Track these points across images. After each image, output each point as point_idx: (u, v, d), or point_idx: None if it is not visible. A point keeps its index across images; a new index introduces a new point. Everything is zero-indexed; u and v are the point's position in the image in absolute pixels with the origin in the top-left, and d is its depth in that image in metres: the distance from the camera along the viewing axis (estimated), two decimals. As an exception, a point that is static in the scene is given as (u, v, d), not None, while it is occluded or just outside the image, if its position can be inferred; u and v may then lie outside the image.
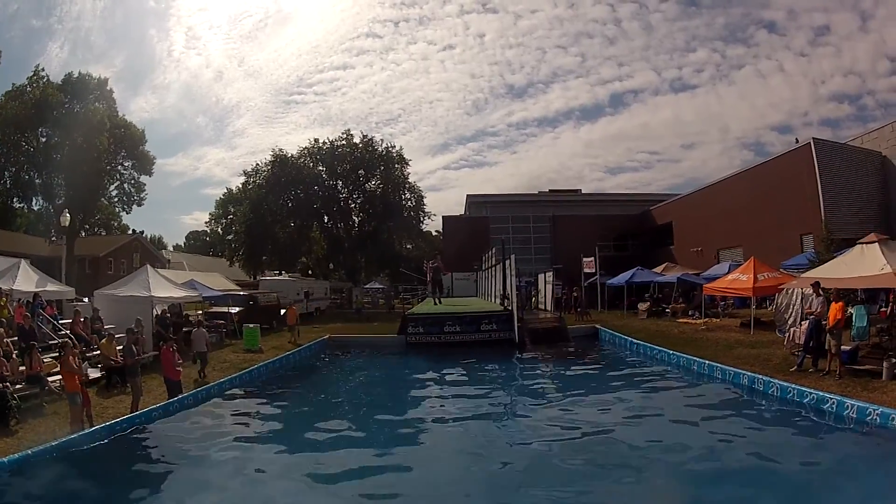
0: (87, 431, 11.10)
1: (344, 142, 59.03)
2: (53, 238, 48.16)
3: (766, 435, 11.03)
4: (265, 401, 15.85)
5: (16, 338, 16.08)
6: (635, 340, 23.01)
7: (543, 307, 36.12)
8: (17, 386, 13.35)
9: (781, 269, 24.81)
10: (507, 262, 26.86)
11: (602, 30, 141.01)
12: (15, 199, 52.67)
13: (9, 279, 20.42)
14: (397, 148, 60.20)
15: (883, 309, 19.33)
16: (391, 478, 9.37)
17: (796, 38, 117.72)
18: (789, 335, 18.20)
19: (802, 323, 17.14)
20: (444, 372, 19.76)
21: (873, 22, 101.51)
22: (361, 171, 58.88)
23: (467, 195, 66.63)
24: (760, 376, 14.62)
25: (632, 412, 13.43)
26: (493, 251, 34.57)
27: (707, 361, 17.26)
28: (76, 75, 48.99)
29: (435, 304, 26.61)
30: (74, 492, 8.98)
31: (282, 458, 10.61)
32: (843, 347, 14.30)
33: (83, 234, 55.55)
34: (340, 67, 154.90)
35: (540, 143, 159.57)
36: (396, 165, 59.07)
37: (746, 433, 11.11)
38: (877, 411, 10.75)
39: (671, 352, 19.72)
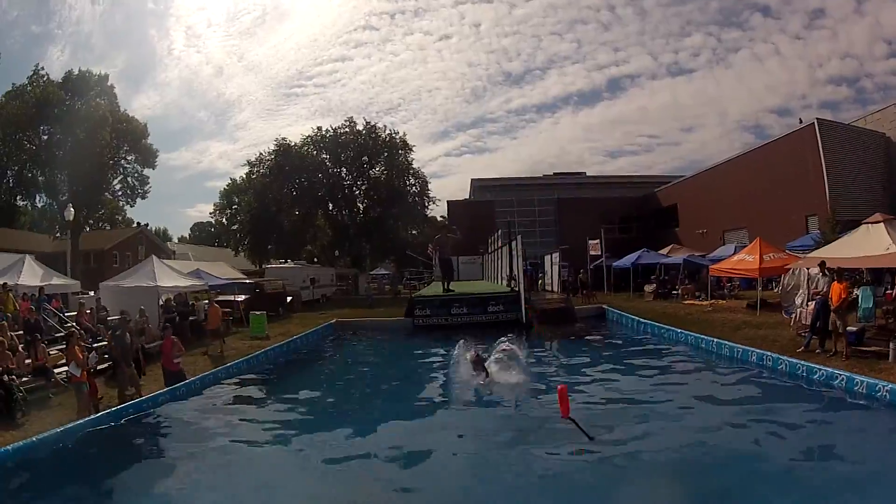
0: (89, 419, 11.21)
1: (347, 129, 58.84)
2: (58, 234, 48.34)
3: (775, 410, 11.03)
4: (270, 385, 15.96)
5: (21, 332, 16.17)
6: (642, 320, 23.10)
7: (550, 289, 36.13)
8: (24, 378, 13.42)
9: (787, 251, 24.73)
10: (514, 243, 26.80)
11: (596, 16, 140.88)
12: (18, 197, 53.10)
13: (14, 274, 20.49)
14: (400, 134, 60.03)
15: (889, 291, 19.27)
16: (394, 460, 9.39)
17: (791, 22, 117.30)
18: (796, 316, 18.19)
19: (809, 304, 17.10)
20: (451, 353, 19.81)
21: (868, 5, 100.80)
22: (365, 158, 58.75)
23: (472, 179, 66.69)
24: (769, 353, 14.70)
25: (644, 387, 13.67)
26: (499, 233, 34.54)
27: (715, 339, 17.34)
28: (76, 72, 49.19)
29: (445, 289, 26.49)
30: (75, 479, 9.04)
31: (282, 441, 10.62)
32: (849, 328, 14.28)
33: (87, 228, 55.68)
34: (339, 59, 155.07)
35: (540, 128, 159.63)
36: (400, 151, 58.87)
37: (755, 409, 11.21)
38: (886, 387, 10.81)
39: (679, 330, 19.82)
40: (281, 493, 8.24)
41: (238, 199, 67.87)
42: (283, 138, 58.78)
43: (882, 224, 16.37)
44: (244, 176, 63.85)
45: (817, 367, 12.90)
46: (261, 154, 59.52)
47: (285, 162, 56.66)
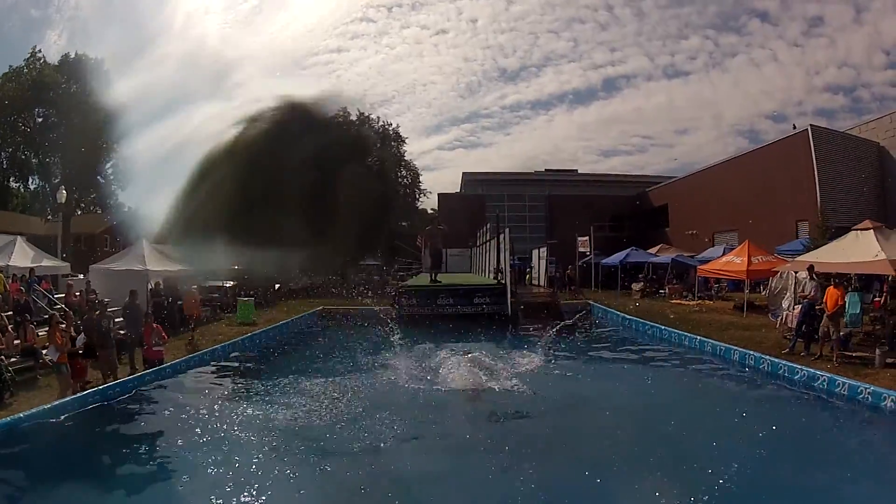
0: (64, 400, 11.33)
1: (340, 119, 58.64)
2: (49, 217, 48.22)
3: (753, 408, 11.31)
4: (251, 370, 15.86)
5: (11, 312, 16.20)
6: (627, 316, 23.36)
7: (537, 283, 36.25)
8: (13, 359, 13.47)
9: (776, 254, 24.91)
10: (502, 235, 26.83)
11: (594, 15, 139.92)
12: (11, 179, 53.12)
13: (5, 255, 20.58)
14: (394, 126, 59.94)
15: (877, 299, 19.44)
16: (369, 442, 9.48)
17: (789, 29, 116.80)
18: (782, 318, 18.34)
19: (796, 307, 17.25)
20: (436, 340, 19.83)
21: (868, 14, 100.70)
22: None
23: (463, 173, 66.42)
24: (752, 352, 14.90)
25: (623, 381, 13.84)
26: (488, 226, 34.58)
27: (699, 337, 17.58)
28: (73, 56, 48.86)
29: (431, 280, 26.53)
30: (51, 459, 9.11)
31: (260, 423, 10.61)
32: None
33: (79, 211, 55.44)
34: (335, 51, 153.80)
35: (534, 125, 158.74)
36: (393, 143, 58.80)
37: (734, 406, 11.36)
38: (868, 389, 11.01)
39: (663, 327, 20.10)
40: (253, 476, 8.29)
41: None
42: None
43: (871, 231, 16.55)
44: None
45: (798, 367, 13.11)
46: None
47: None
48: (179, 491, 7.97)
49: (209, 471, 8.31)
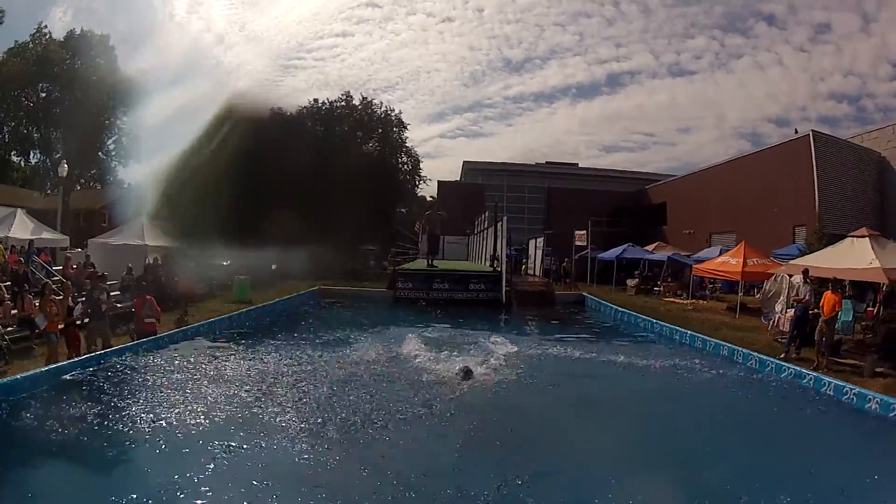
0: (51, 367, 11.41)
1: (343, 103, 58.50)
2: (49, 191, 48.30)
3: (735, 405, 11.55)
4: (241, 344, 15.82)
5: (9, 282, 16.32)
6: (620, 308, 23.50)
7: (533, 273, 36.49)
8: (9, 328, 13.60)
9: (772, 258, 25.00)
10: (499, 223, 26.96)
11: (601, 10, 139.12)
12: (13, 153, 53.20)
13: (5, 227, 20.70)
14: (396, 112, 59.75)
15: (870, 308, 19.53)
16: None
17: (796, 34, 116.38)
18: (774, 321, 18.42)
19: (788, 310, 17.32)
20: (429, 323, 20.00)
21: (876, 25, 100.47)
22: (360, 133, 58.48)
23: (464, 161, 66.36)
24: (740, 348, 15.09)
25: (611, 368, 14.16)
26: (486, 214, 34.72)
27: (689, 331, 17.74)
28: (79, 32, 48.79)
29: (428, 264, 26.72)
30: (35, 423, 9.20)
31: (246, 394, 10.74)
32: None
33: (79, 187, 55.46)
34: (340, 35, 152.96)
35: (536, 117, 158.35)
36: (395, 129, 58.63)
37: (718, 404, 11.63)
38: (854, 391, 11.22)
39: (654, 321, 20.29)
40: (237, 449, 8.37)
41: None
42: (279, 108, 58.34)
43: (867, 238, 16.62)
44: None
45: (786, 365, 13.32)
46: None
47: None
48: (157, 456, 7.97)
49: (188, 436, 8.54)
